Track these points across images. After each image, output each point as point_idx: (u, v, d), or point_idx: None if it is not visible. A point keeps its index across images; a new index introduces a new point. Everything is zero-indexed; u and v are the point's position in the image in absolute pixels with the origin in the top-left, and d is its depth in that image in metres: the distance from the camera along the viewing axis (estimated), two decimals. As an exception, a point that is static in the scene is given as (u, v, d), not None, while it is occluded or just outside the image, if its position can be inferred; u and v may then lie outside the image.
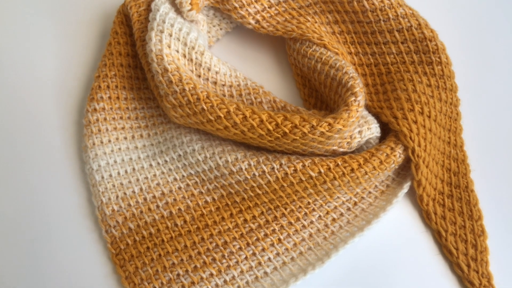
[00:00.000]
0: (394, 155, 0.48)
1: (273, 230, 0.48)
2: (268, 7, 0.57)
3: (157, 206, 0.49)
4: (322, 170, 0.47)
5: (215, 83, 0.52)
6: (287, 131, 0.45)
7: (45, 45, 0.60)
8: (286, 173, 0.47)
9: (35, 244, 0.48)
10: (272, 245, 0.47)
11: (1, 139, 0.53)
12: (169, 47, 0.49)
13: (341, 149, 0.48)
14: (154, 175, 0.51)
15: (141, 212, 0.48)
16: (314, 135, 0.45)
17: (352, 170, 0.47)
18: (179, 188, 0.50)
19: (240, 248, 0.47)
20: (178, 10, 0.52)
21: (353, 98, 0.46)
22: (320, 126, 0.44)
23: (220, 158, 0.49)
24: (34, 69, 0.58)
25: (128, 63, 0.55)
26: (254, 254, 0.46)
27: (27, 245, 0.48)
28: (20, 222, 0.49)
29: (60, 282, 0.46)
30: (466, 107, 0.56)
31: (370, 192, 0.51)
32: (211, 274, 0.45)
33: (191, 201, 0.49)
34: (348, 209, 0.49)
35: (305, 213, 0.48)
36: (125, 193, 0.49)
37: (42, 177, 0.51)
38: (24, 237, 0.48)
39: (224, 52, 0.60)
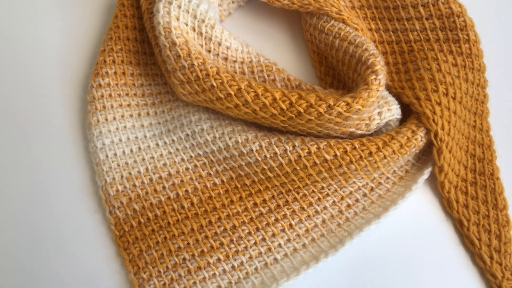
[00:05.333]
0: (416, 139, 0.45)
1: (284, 215, 0.45)
2: (284, -21, 0.54)
3: (163, 187, 0.47)
4: (338, 153, 0.44)
5: (225, 59, 0.49)
6: (302, 110, 0.42)
7: (49, 18, 0.57)
8: (300, 156, 0.45)
9: (36, 225, 0.46)
10: (283, 230, 0.45)
11: (2, 114, 0.52)
12: (178, 19, 0.46)
13: (359, 131, 0.46)
14: (161, 155, 0.49)
15: (147, 193, 0.46)
16: (331, 115, 0.42)
17: (370, 153, 0.44)
18: (187, 169, 0.48)
19: (249, 233, 0.45)
20: (188, -19, 0.49)
21: (373, 77, 0.43)
22: (338, 106, 0.41)
23: (230, 138, 0.46)
24: (37, 42, 0.56)
25: (135, 37, 0.52)
26: (263, 239, 0.45)
27: (28, 226, 0.46)
28: (21, 202, 0.47)
29: (62, 264, 0.45)
30: (494, 89, 0.52)
31: (388, 178, 0.48)
32: (219, 259, 0.43)
33: (198, 183, 0.47)
34: (364, 195, 0.47)
35: (319, 198, 0.46)
36: (130, 173, 0.47)
37: (45, 155, 0.50)
38: (25, 217, 0.47)
39: (236, 27, 0.57)
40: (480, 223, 0.46)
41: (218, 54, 0.49)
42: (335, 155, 0.44)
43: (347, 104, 0.42)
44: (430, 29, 0.51)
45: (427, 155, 0.49)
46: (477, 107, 0.51)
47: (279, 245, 0.44)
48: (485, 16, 0.52)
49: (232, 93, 0.43)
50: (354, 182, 0.47)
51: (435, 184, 0.48)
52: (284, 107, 0.42)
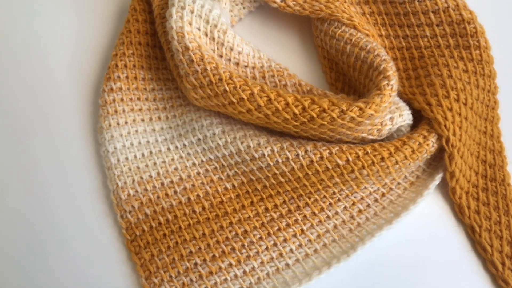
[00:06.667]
0: (427, 144, 0.45)
1: (296, 220, 0.45)
2: (295, -15, 0.54)
3: (175, 192, 0.47)
4: (350, 158, 0.44)
5: (237, 64, 0.50)
6: (315, 115, 0.42)
7: (61, 22, 0.57)
8: (312, 161, 0.45)
9: (47, 228, 0.46)
10: (295, 235, 0.45)
11: (13, 118, 0.52)
12: (191, 24, 0.46)
13: (371, 137, 0.46)
14: (172, 159, 0.48)
15: (158, 197, 0.46)
16: (344, 120, 0.42)
17: (382, 159, 0.44)
18: (198, 173, 0.48)
19: (261, 238, 0.45)
20: (200, -14, 0.50)
21: (386, 82, 0.43)
22: (351, 111, 0.41)
23: (242, 143, 0.46)
24: (49, 47, 0.56)
25: (147, 41, 0.53)
26: (275, 244, 0.44)
27: (38, 229, 0.46)
28: (32, 205, 0.47)
29: (73, 267, 0.45)
30: (504, 95, 0.52)
31: (399, 183, 0.48)
32: (230, 264, 0.43)
33: (210, 187, 0.47)
34: (376, 200, 0.47)
35: (330, 204, 0.46)
36: (141, 177, 0.47)
37: (56, 158, 0.49)
38: (35, 220, 0.47)
39: (247, 32, 0.57)
40: (491, 229, 0.46)
41: (230, 59, 0.49)
42: (347, 160, 0.44)
43: (360, 109, 0.42)
44: (441, 36, 0.51)
45: (438, 160, 0.49)
46: (488, 113, 0.51)
47: (291, 250, 0.44)
48: (495, 23, 0.52)
49: (245, 97, 0.43)
50: (365, 188, 0.47)
51: (446, 190, 0.48)
52: (296, 111, 0.42)
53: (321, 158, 0.44)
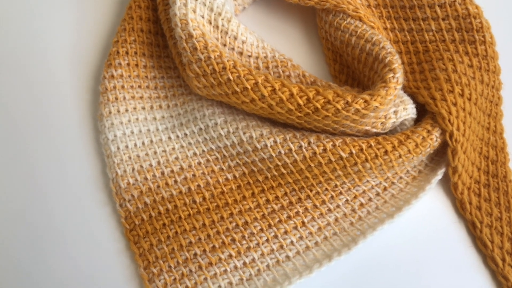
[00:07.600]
0: (431, 139, 0.45)
1: (297, 213, 0.45)
2: (300, -25, 0.53)
3: (175, 181, 0.46)
4: (353, 151, 0.44)
5: (241, 53, 0.49)
6: (319, 106, 0.41)
7: (62, 8, 0.56)
8: (315, 153, 0.44)
9: (45, 216, 0.45)
10: (295, 228, 0.44)
11: (12, 105, 0.51)
12: (194, 12, 0.46)
13: (374, 130, 0.45)
14: (173, 149, 0.48)
15: (158, 186, 0.46)
16: (349, 112, 0.41)
17: (386, 152, 0.44)
18: (199, 163, 0.47)
19: (261, 230, 0.44)
20: (204, -27, 0.49)
21: (391, 75, 0.43)
22: (356, 103, 0.41)
23: (244, 133, 0.46)
24: (49, 33, 0.55)
25: (149, 28, 0.52)
26: (276, 236, 0.44)
27: (36, 218, 0.45)
28: (30, 193, 0.47)
29: (71, 257, 0.44)
30: (508, 92, 0.52)
31: (401, 178, 0.48)
32: (230, 255, 0.43)
33: (211, 178, 0.47)
34: (377, 194, 0.47)
35: (332, 196, 0.46)
36: (141, 166, 0.46)
37: (55, 146, 0.49)
38: (34, 209, 0.46)
39: (250, 22, 0.56)
40: (492, 225, 0.46)
41: (233, 48, 0.48)
42: (351, 153, 0.44)
43: (365, 101, 0.41)
44: (446, 30, 0.51)
45: (440, 155, 0.49)
46: (491, 109, 0.51)
47: (291, 242, 0.44)
48: (500, 18, 0.52)
49: (249, 87, 0.42)
50: (367, 181, 0.46)
51: (447, 185, 0.48)
52: (301, 102, 0.42)
53: (324, 150, 0.44)
